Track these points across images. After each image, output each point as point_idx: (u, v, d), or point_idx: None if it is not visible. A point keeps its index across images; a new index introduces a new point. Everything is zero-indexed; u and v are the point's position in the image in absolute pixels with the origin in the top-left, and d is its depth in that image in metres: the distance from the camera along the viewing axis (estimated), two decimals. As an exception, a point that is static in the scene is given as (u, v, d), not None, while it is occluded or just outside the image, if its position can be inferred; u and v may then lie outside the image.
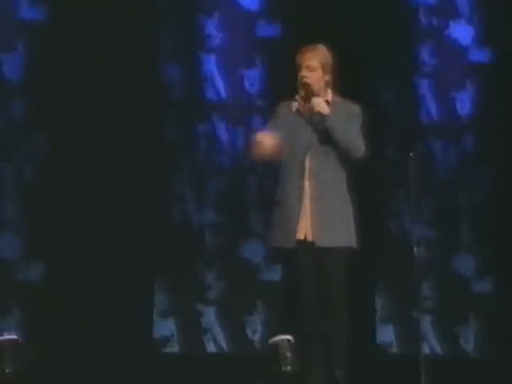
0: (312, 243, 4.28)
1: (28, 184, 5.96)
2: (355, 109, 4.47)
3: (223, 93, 6.37)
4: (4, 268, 5.87)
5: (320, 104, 4.36)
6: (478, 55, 6.87)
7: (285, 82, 6.37)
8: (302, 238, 4.29)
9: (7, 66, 5.98)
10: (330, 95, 4.44)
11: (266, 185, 6.31)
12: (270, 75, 6.40)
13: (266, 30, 6.47)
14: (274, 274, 6.28)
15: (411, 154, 4.86)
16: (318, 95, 4.38)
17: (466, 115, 6.82)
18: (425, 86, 6.76)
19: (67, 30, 5.97)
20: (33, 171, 5.97)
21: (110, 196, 5.91)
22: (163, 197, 6.19)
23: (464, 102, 6.81)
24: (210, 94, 6.34)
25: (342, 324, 4.36)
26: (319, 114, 4.35)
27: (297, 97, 4.45)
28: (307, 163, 4.30)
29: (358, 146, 4.35)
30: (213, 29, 6.38)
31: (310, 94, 4.39)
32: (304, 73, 4.39)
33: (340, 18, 6.31)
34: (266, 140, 4.28)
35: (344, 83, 6.33)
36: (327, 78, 4.44)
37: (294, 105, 4.43)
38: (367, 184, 6.33)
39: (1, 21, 5.95)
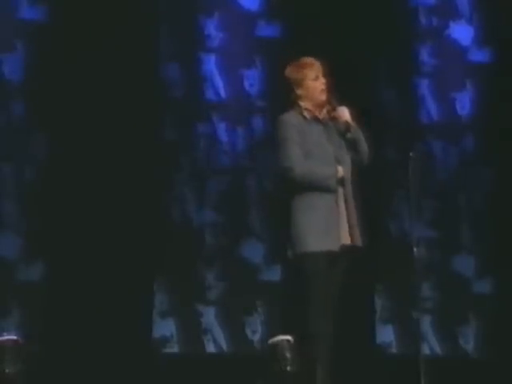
0: (347, 246, 4.33)
1: (28, 184, 5.96)
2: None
3: (223, 93, 6.37)
4: (4, 268, 5.87)
5: (346, 113, 4.39)
6: (478, 55, 6.87)
7: (284, 83, 6.39)
8: (344, 241, 4.33)
9: (7, 66, 5.98)
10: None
11: (266, 185, 6.32)
12: (270, 75, 6.40)
13: (266, 30, 6.47)
14: (274, 274, 6.28)
15: (411, 154, 4.86)
16: (335, 102, 4.43)
17: (465, 115, 6.82)
18: (425, 86, 6.76)
19: (67, 29, 5.96)
20: (33, 171, 5.97)
21: (109, 196, 5.91)
22: (163, 197, 6.19)
23: (464, 102, 6.81)
24: (209, 94, 6.34)
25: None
26: (346, 123, 4.37)
27: (303, 104, 4.45)
28: (340, 170, 4.33)
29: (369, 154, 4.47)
30: (213, 29, 6.38)
31: (331, 101, 4.42)
32: (322, 81, 4.43)
33: (340, 18, 6.31)
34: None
35: (344, 83, 6.36)
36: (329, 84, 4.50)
37: (306, 113, 4.44)
38: (367, 184, 6.33)
39: (0, 21, 5.95)
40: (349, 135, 4.38)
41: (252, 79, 6.41)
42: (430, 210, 6.60)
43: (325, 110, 4.42)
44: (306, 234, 4.27)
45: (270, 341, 5.35)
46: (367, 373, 5.91)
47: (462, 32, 6.85)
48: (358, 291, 6.23)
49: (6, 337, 5.16)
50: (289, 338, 5.25)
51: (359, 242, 4.34)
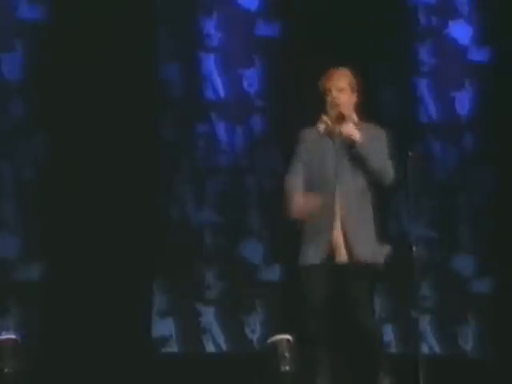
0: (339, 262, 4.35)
1: (27, 184, 5.96)
2: (381, 133, 4.49)
3: (222, 92, 6.37)
4: (3, 268, 5.87)
5: (351, 131, 4.36)
6: (477, 55, 6.86)
7: (283, 82, 6.40)
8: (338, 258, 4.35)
9: (6, 66, 5.98)
10: (355, 118, 4.45)
11: (265, 184, 6.32)
12: (269, 75, 6.40)
13: (265, 29, 6.47)
14: (273, 273, 6.28)
15: (410, 154, 4.85)
16: (349, 117, 4.39)
17: (464, 115, 6.81)
18: (424, 86, 6.75)
19: (66, 29, 5.96)
20: (32, 171, 5.97)
21: (109, 196, 5.91)
22: (162, 197, 6.19)
23: (463, 102, 6.81)
24: (208, 93, 6.34)
25: None
26: (350, 139, 4.36)
27: (324, 118, 4.45)
28: (337, 186, 4.32)
29: (388, 172, 4.44)
30: (212, 28, 6.38)
31: (340, 116, 4.40)
32: (335, 94, 4.38)
33: (339, 17, 6.31)
34: (303, 202, 4.30)
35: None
36: (355, 99, 4.44)
37: (321, 127, 4.44)
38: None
39: (0, 20, 5.95)
40: (353, 151, 4.36)
41: (251, 79, 6.41)
42: (429, 209, 6.60)
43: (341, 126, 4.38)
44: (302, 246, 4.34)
45: (270, 340, 5.35)
46: (366, 372, 5.90)
47: (461, 31, 6.85)
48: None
49: (5, 336, 5.16)
50: (288, 337, 5.25)
51: (364, 257, 4.32)
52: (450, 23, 6.86)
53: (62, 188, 5.90)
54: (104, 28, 5.93)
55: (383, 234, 4.50)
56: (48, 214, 5.89)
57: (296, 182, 4.38)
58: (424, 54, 6.77)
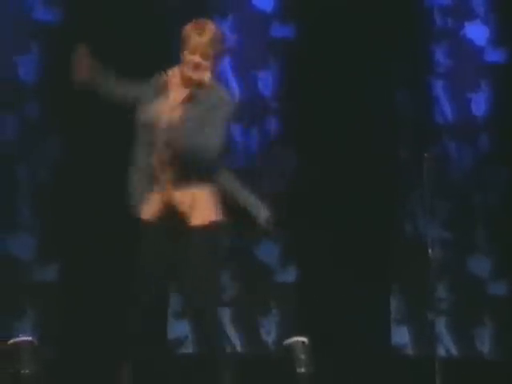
0: None
1: (42, 185, 5.98)
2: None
3: (237, 94, 6.36)
4: (19, 269, 5.89)
5: None
6: (493, 56, 6.83)
7: (299, 83, 6.39)
8: None
9: (22, 68, 6.00)
10: None
11: (278, 186, 6.31)
12: (284, 77, 6.39)
13: (280, 31, 6.47)
14: (289, 275, 6.26)
15: (426, 155, 4.84)
16: None
17: (480, 116, 6.79)
18: (440, 87, 6.73)
19: (82, 31, 5.97)
20: (47, 173, 5.98)
21: (124, 197, 5.91)
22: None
23: (479, 103, 6.78)
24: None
25: None
26: None
27: None
28: None
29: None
30: (227, 30, 6.38)
31: None
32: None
33: (354, 18, 6.29)
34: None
35: (359, 84, 6.34)
36: None
37: None
38: (381, 184, 6.32)
39: (16, 22, 5.97)
40: None
41: (266, 80, 6.40)
42: (444, 210, 6.57)
43: None
44: None
45: (285, 342, 5.34)
46: (382, 374, 5.89)
47: (477, 32, 6.82)
48: (372, 292, 6.23)
49: (22, 338, 5.18)
50: (304, 339, 5.24)
51: None
52: (466, 24, 6.83)
53: (77, 189, 5.91)
54: (119, 30, 5.94)
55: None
56: (64, 215, 5.90)
57: None
58: (440, 55, 6.74)
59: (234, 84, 6.36)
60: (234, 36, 6.38)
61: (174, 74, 4.03)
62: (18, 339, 5.19)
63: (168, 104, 3.95)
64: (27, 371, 4.99)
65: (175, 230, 3.90)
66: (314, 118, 6.29)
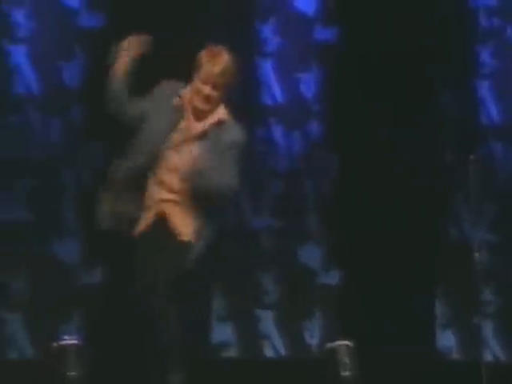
0: None
1: (86, 189, 6.03)
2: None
3: (279, 97, 6.36)
4: (64, 272, 5.94)
5: None
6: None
7: (341, 86, 6.36)
8: None
9: (67, 73, 6.06)
10: None
11: (323, 187, 6.29)
12: (326, 79, 6.38)
13: (323, 33, 6.45)
14: (332, 278, 6.24)
15: (471, 157, 4.79)
16: None
17: (527, 116, 6.70)
18: (485, 88, 6.66)
19: (125, 36, 6.01)
20: (91, 176, 6.03)
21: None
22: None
23: (526, 104, 6.70)
24: (266, 98, 6.34)
25: None
26: None
27: None
28: None
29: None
30: (269, 33, 6.38)
31: None
32: None
33: (398, 20, 6.25)
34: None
35: (403, 85, 6.29)
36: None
37: None
38: (426, 187, 6.26)
39: (60, 28, 6.04)
40: None
41: (308, 83, 6.39)
42: (490, 212, 6.49)
43: None
44: None
45: (329, 345, 5.31)
46: (427, 378, 5.83)
47: (522, 32, 6.74)
48: (417, 295, 6.17)
49: (67, 340, 5.22)
50: (348, 342, 5.21)
51: None
52: (512, 24, 6.75)
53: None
54: (160, 34, 5.96)
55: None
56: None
57: None
58: (485, 55, 6.67)
59: (276, 87, 6.36)
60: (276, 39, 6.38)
61: (186, 100, 3.98)
62: (63, 342, 5.24)
63: (179, 133, 3.92)
64: (73, 373, 5.03)
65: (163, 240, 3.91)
66: (356, 120, 6.26)
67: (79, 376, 5.06)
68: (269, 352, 6.18)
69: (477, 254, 4.91)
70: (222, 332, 6.12)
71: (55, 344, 5.28)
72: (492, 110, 6.66)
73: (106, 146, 6.03)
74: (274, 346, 6.18)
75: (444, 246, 6.33)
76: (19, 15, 6.01)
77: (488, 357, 5.84)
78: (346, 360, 5.17)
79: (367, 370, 5.38)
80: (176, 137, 3.92)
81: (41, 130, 6.05)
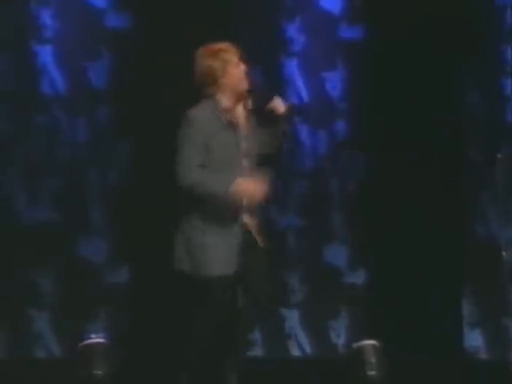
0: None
1: (113, 188, 6.06)
2: None
3: (305, 96, 6.36)
4: (91, 271, 5.97)
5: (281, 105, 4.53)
6: None
7: (367, 85, 6.35)
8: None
9: (93, 73, 6.09)
10: None
11: (348, 187, 6.28)
12: (352, 78, 6.36)
13: (348, 32, 6.44)
14: (358, 277, 6.23)
15: (498, 155, 4.76)
16: None
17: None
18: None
19: (151, 37, 6.04)
20: (118, 176, 6.06)
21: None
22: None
23: (553, 102, 6.64)
24: (291, 97, 6.33)
25: None
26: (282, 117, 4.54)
27: (224, 99, 4.28)
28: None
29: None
30: (294, 32, 6.37)
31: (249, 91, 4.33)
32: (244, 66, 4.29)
33: (423, 18, 6.22)
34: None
35: (429, 84, 6.27)
36: None
37: (221, 114, 4.29)
38: (453, 186, 6.23)
39: (86, 29, 6.07)
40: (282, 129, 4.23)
41: (334, 82, 6.38)
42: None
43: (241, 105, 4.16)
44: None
45: (355, 345, 5.30)
46: (455, 378, 5.80)
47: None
48: (445, 295, 6.15)
49: (94, 339, 5.25)
50: (374, 342, 5.19)
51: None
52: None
53: (146, 192, 5.97)
54: (187, 35, 5.98)
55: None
56: (134, 217, 5.97)
57: None
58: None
59: (301, 86, 6.35)
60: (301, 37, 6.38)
61: (229, 116, 4.15)
62: (90, 341, 5.27)
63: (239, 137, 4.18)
64: (100, 372, 5.06)
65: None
66: (382, 119, 6.24)
67: (105, 375, 5.09)
68: (295, 351, 6.18)
69: (504, 253, 4.88)
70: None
71: (82, 343, 5.31)
72: (519, 108, 6.62)
73: (133, 146, 6.06)
74: (300, 345, 6.17)
75: (471, 245, 6.29)
76: (46, 15, 6.05)
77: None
78: (373, 360, 5.17)
79: (393, 370, 5.37)
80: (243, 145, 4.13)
81: (67, 130, 6.09)
